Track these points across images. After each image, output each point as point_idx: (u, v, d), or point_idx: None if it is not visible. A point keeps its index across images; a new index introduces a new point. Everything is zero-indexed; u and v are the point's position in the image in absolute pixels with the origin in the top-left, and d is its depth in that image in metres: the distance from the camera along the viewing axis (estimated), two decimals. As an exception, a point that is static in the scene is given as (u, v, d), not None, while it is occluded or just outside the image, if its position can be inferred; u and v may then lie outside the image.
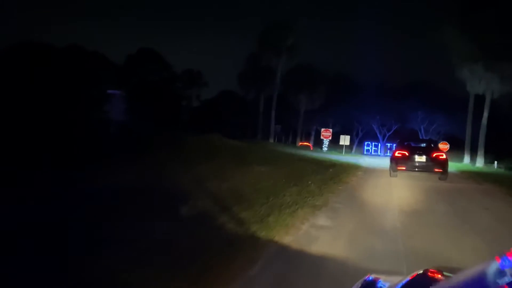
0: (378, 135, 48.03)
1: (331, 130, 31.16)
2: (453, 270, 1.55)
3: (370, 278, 1.70)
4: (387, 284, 1.60)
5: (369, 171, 17.50)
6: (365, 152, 48.46)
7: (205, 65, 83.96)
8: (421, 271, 1.56)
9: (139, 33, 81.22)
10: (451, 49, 26.47)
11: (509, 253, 1.20)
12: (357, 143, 50.02)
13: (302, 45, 32.02)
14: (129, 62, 53.21)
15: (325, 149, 48.73)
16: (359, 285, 1.64)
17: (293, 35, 30.39)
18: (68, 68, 34.92)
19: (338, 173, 14.60)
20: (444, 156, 14.13)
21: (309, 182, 10.71)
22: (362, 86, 45.20)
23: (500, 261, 1.18)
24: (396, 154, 14.47)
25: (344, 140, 33.21)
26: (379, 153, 47.91)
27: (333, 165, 17.47)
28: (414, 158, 14.06)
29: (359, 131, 49.54)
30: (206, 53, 72.79)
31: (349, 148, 48.58)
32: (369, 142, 49.12)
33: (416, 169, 14.10)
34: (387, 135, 47.63)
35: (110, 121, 15.62)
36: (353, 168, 17.34)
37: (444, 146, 32.07)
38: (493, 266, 1.16)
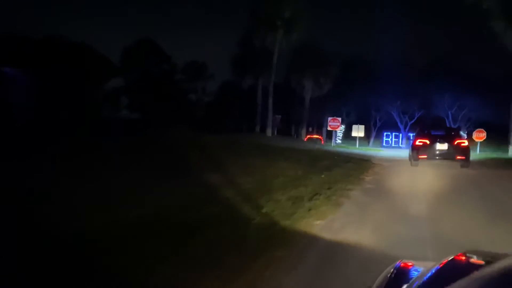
0: (399, 124, 42.28)
1: (339, 119, 25.90)
2: (486, 255, 1.57)
3: (401, 264, 1.65)
4: (420, 270, 1.53)
5: (384, 179, 12.34)
6: (384, 144, 42.92)
7: (207, 56, 78.81)
8: (452, 257, 1.52)
9: (130, 24, 76.92)
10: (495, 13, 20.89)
11: None
12: (375, 134, 44.40)
13: (305, 18, 26.66)
14: (127, 55, 49.18)
15: (338, 141, 43.62)
16: (390, 270, 1.56)
17: (291, 5, 25.19)
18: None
19: (336, 179, 9.66)
20: (466, 144, 14.19)
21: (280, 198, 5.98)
22: (380, 67, 39.56)
23: None
24: (417, 143, 14.23)
25: (358, 130, 27.99)
26: (400, 145, 42.20)
27: (332, 166, 12.45)
28: (436, 146, 13.89)
29: (377, 120, 43.88)
30: (207, 43, 67.92)
31: (366, 139, 43.21)
32: (389, 133, 43.47)
33: (438, 158, 13.92)
34: (409, 123, 41.85)
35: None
36: (360, 170, 12.30)
37: (479, 134, 26.57)
38: None
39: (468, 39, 53.79)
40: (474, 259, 1.56)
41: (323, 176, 9.84)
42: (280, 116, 31.35)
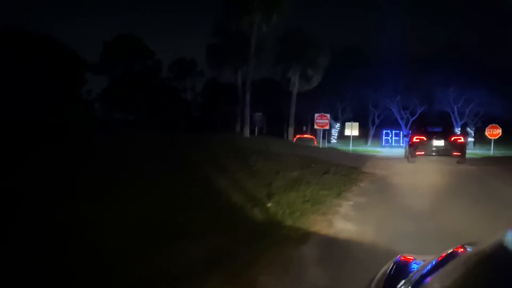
0: (400, 121, 38.32)
1: (328, 116, 22.02)
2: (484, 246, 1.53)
3: (401, 257, 1.67)
4: (420, 263, 1.55)
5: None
6: (383, 143, 38.99)
7: (197, 53, 74.42)
8: (451, 250, 1.54)
9: (114, 24, 72.93)
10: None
11: None
12: (374, 132, 40.48)
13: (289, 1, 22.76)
14: (108, 51, 45.48)
15: (333, 141, 39.69)
16: (391, 265, 1.58)
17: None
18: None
19: (283, 218, 5.88)
20: (462, 140, 14.71)
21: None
22: (378, 58, 35.66)
23: None
24: (414, 140, 14.54)
25: (351, 128, 24.14)
26: (401, 144, 38.22)
27: (297, 182, 8.69)
28: (432, 143, 14.24)
29: (376, 117, 39.94)
30: (196, 39, 64.09)
31: (364, 138, 39.29)
32: (389, 131, 39.52)
33: (434, 154, 14.27)
34: (411, 120, 37.88)
35: None
36: (336, 189, 8.50)
37: (494, 131, 22.74)
38: (510, 235, 1.21)
39: (475, 25, 49.63)
40: (473, 251, 1.49)
41: (269, 205, 6.02)
42: (261, 113, 27.47)
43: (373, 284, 1.45)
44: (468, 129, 37.47)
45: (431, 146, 14.31)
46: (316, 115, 22.05)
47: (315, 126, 22.34)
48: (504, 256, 1.14)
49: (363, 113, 39.59)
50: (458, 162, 14.15)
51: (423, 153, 14.28)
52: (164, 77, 50.17)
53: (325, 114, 22.02)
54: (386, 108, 38.24)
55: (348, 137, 24.99)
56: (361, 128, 38.26)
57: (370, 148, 29.51)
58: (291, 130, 28.70)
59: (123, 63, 46.87)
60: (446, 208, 6.58)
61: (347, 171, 11.19)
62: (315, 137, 34.75)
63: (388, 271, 1.49)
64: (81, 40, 66.64)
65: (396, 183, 9.59)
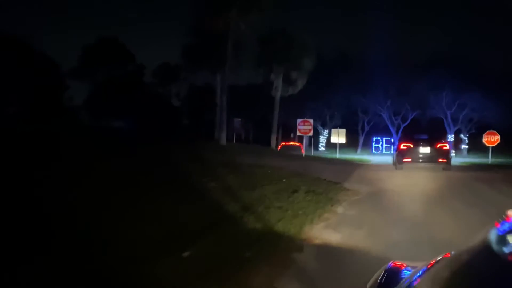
0: (390, 127, 36.44)
1: (311, 121, 19.92)
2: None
3: (392, 264, 1.68)
4: (411, 271, 1.55)
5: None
6: (373, 151, 37.10)
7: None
8: (441, 257, 1.52)
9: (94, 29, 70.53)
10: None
11: (507, 218, 1.27)
12: (364, 139, 38.58)
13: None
14: (86, 55, 43.22)
15: (321, 148, 37.70)
16: (382, 271, 1.59)
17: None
18: None
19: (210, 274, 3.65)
20: (448, 147, 15.34)
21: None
22: (367, 62, 33.87)
23: (499, 226, 1.23)
24: (401, 147, 15.05)
25: (338, 135, 22.15)
26: (392, 151, 36.33)
27: (253, 206, 6.56)
28: (419, 150, 14.64)
29: (365, 123, 38.05)
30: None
31: (353, 146, 37.35)
32: (379, 138, 37.66)
33: (421, 160, 14.60)
34: (403, 126, 36.05)
35: None
36: (302, 220, 6.30)
37: (492, 137, 20.96)
38: (494, 234, 1.19)
39: (469, 28, 48.14)
40: (458, 252, 1.48)
41: (186, 254, 3.87)
42: (239, 119, 25.36)
43: None
44: (462, 136, 35.83)
45: (418, 153, 14.61)
46: (299, 120, 19.99)
47: (297, 133, 20.27)
48: (488, 255, 1.13)
49: (353, 120, 37.74)
50: (444, 169, 14.35)
51: (410, 160, 14.54)
52: (148, 82, 48.10)
53: (308, 120, 19.97)
54: (376, 114, 36.40)
55: (340, 144, 22.90)
56: (350, 135, 36.44)
57: (358, 157, 27.56)
58: (274, 138, 26.54)
59: (103, 67, 44.70)
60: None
61: (325, 187, 9.11)
62: (302, 145, 32.80)
63: (379, 278, 1.48)
64: (60, 46, 64.17)
65: (384, 205, 7.56)
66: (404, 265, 1.64)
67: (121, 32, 69.81)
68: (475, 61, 31.95)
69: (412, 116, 35.41)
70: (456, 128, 35.20)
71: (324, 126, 37.13)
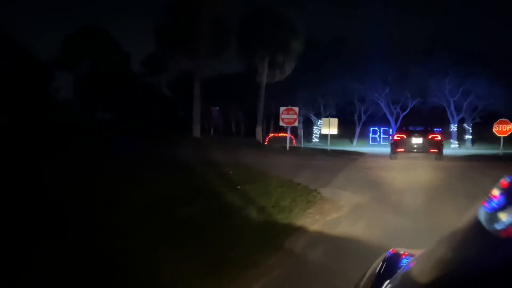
0: (389, 116, 33.83)
1: (296, 109, 17.18)
2: None
3: (393, 252, 1.64)
4: (411, 258, 1.52)
5: None
6: (370, 142, 34.59)
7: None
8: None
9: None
10: None
11: (492, 195, 1.28)
12: (360, 129, 35.98)
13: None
14: (70, 44, 40.29)
15: (315, 140, 35.14)
16: (382, 259, 1.54)
17: None
18: None
19: None
20: (439, 138, 15.70)
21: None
22: (364, 46, 31.20)
23: (487, 204, 1.25)
24: (395, 138, 16.06)
25: (329, 125, 19.53)
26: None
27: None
28: (411, 140, 15.45)
29: (362, 112, 35.43)
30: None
31: (349, 136, 34.80)
32: (376, 128, 35.09)
33: (414, 150, 15.41)
34: (402, 115, 33.45)
35: None
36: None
37: (504, 127, 18.53)
38: (483, 212, 1.22)
39: (475, 6, 44.95)
40: (449, 232, 1.50)
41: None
42: (217, 108, 22.67)
43: (365, 278, 1.42)
44: (465, 126, 33.28)
45: (410, 143, 15.35)
46: (282, 109, 17.31)
47: (281, 123, 17.65)
48: (478, 232, 1.15)
49: (348, 109, 35.13)
50: (436, 159, 14.94)
51: (403, 150, 15.34)
52: (137, 72, 45.39)
53: (292, 108, 17.27)
54: (374, 103, 33.77)
55: (333, 135, 20.33)
56: (346, 125, 33.84)
57: (353, 149, 25.02)
58: (258, 129, 23.83)
59: (88, 57, 41.91)
60: None
61: (293, 197, 6.51)
62: (294, 136, 30.18)
63: (379, 265, 1.47)
64: (41, 36, 60.92)
65: (375, 234, 5.00)
66: (404, 252, 1.61)
67: (107, 21, 66.47)
68: (482, 43, 29.18)
69: (412, 105, 32.79)
70: (459, 117, 32.61)
71: (318, 116, 34.56)
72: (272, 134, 25.92)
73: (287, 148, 17.14)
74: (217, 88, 31.68)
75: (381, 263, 1.47)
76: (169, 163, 10.06)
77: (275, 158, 14.04)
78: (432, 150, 15.07)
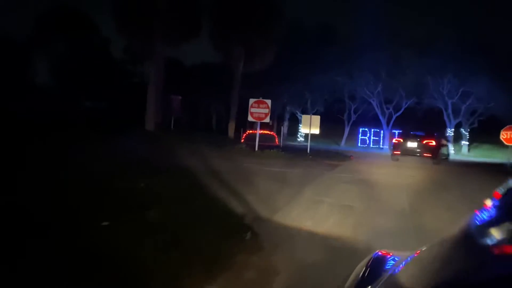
0: (380, 117, 31.10)
1: (268, 102, 14.17)
2: None
3: (379, 254, 1.65)
4: (397, 259, 1.55)
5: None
6: (359, 143, 31.90)
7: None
8: (425, 247, 1.54)
9: None
10: None
11: (485, 206, 1.28)
12: (349, 129, 33.25)
13: None
14: (43, 25, 36.61)
15: (300, 139, 32.29)
16: (368, 260, 1.56)
17: None
18: None
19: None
20: (434, 143, 16.16)
21: None
22: (355, 38, 28.38)
23: (479, 213, 1.25)
24: (394, 141, 17.55)
25: (310, 123, 16.66)
26: (381, 145, 31.07)
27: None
28: (407, 144, 16.28)
29: (352, 111, 32.67)
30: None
31: (337, 136, 32.08)
32: (366, 129, 32.35)
33: (409, 154, 16.13)
34: (394, 116, 30.75)
35: None
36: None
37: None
38: (474, 224, 1.21)
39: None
40: (440, 239, 1.53)
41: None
42: (179, 97, 19.65)
43: (350, 278, 1.41)
44: (462, 131, 30.71)
45: (406, 146, 16.15)
46: (252, 101, 14.32)
47: (250, 118, 14.71)
48: (469, 245, 1.15)
49: (338, 107, 32.37)
50: (433, 163, 15.32)
51: (399, 152, 16.18)
52: (118, 60, 41.98)
53: (264, 100, 14.30)
54: (365, 101, 30.99)
55: (319, 135, 17.41)
56: (334, 124, 31.06)
57: (340, 149, 22.24)
58: (231, 125, 20.78)
59: (62, 40, 38.29)
60: None
61: (192, 248, 3.68)
62: (277, 134, 27.23)
63: (365, 266, 1.46)
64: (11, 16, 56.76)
65: None
66: (391, 254, 1.61)
67: (90, 6, 62.36)
68: (486, 42, 26.49)
69: (407, 105, 30.09)
70: (457, 121, 30.01)
71: (304, 112, 31.69)
72: (250, 131, 22.94)
73: (256, 149, 14.30)
74: (191, 78, 28.64)
75: (368, 263, 1.47)
76: (70, 164, 7.11)
77: (234, 161, 11.16)
78: (425, 154, 15.77)
